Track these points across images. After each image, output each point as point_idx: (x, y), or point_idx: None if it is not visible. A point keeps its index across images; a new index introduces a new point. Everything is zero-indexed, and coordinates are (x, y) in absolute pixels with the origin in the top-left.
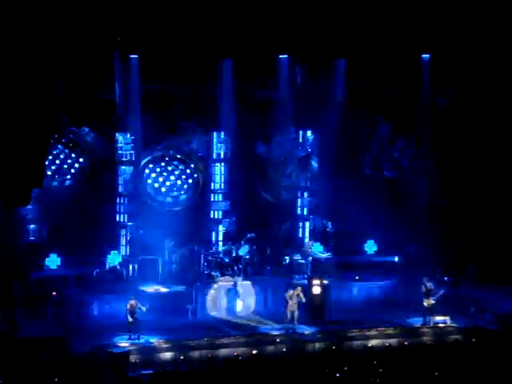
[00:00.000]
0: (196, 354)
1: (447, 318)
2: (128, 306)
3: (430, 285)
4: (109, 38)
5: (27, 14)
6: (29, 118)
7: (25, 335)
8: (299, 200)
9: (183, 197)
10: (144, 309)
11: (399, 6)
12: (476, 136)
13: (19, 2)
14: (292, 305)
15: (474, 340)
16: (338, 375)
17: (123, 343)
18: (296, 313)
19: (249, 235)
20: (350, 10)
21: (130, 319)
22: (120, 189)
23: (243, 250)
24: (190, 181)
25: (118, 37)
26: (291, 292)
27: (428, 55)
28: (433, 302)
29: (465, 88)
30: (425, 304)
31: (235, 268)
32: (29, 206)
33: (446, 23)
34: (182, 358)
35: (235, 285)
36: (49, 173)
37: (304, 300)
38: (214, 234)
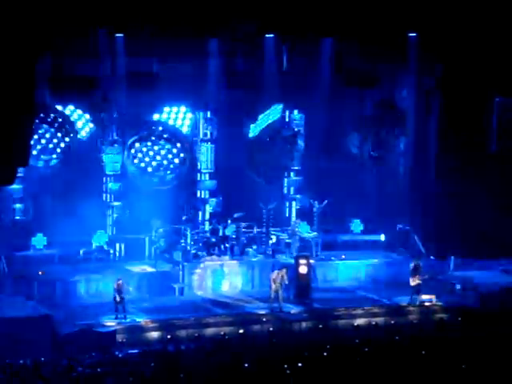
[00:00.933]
0: (183, 333)
1: (433, 297)
2: (115, 286)
3: (420, 264)
4: (94, 16)
5: None
6: (13, 97)
7: (11, 315)
8: (286, 179)
9: (169, 177)
10: (131, 289)
11: None
12: (463, 115)
13: None
14: (276, 285)
15: (459, 319)
16: (324, 354)
17: (110, 322)
18: (280, 292)
19: (236, 215)
20: None
21: (118, 299)
22: (106, 168)
23: (230, 230)
24: (176, 160)
25: None
26: (275, 272)
27: (415, 34)
28: (419, 281)
29: (452, 66)
30: (411, 283)
31: (222, 247)
32: (14, 186)
33: (432, 1)
34: (168, 337)
35: (222, 264)
36: (34, 152)
37: (287, 282)
38: (200, 213)
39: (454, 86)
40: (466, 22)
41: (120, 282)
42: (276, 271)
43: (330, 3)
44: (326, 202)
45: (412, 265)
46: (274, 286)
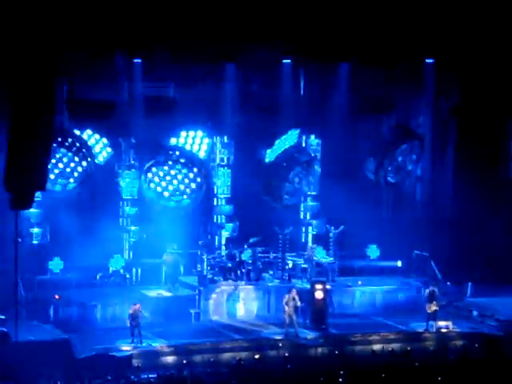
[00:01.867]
0: (198, 358)
1: (450, 324)
2: (130, 311)
3: (435, 290)
4: (112, 40)
5: (29, 15)
6: (31, 121)
7: (27, 339)
8: (302, 204)
9: (186, 201)
10: (146, 314)
11: (403, 11)
12: (481, 140)
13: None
14: (289, 309)
15: (476, 345)
16: (340, 380)
17: (126, 347)
18: (294, 316)
19: (252, 239)
20: (353, 14)
21: (133, 323)
22: (123, 193)
23: (246, 255)
24: (193, 185)
25: None
26: (287, 296)
27: (432, 60)
28: (435, 307)
29: (469, 92)
30: (427, 309)
31: (238, 272)
32: (32, 210)
33: (449, 28)
34: (184, 362)
35: (236, 289)
36: (52, 176)
37: (299, 304)
38: (217, 238)
39: (470, 111)
40: (483, 47)
41: (137, 306)
42: (287, 295)
43: (346, 29)
44: (342, 227)
45: (427, 291)
46: (287, 310)
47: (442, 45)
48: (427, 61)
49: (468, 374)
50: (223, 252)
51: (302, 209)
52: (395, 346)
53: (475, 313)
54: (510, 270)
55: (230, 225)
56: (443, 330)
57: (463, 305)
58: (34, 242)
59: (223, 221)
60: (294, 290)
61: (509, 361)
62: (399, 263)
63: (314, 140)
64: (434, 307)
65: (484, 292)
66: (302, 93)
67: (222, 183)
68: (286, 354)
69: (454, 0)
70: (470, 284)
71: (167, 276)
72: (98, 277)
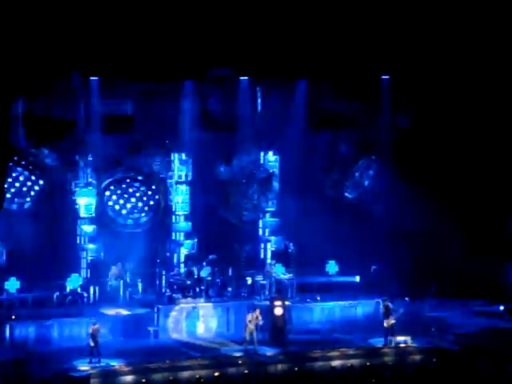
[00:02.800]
0: (158, 376)
1: (408, 338)
2: (90, 330)
3: (389, 305)
4: (68, 59)
5: None
6: None
7: None
8: (261, 221)
9: (144, 219)
10: (104, 332)
11: (359, 28)
12: (437, 155)
13: None
14: (250, 326)
15: (434, 360)
16: None
17: (84, 367)
18: (254, 334)
19: (211, 257)
20: (311, 30)
21: (92, 343)
22: (80, 211)
23: (205, 272)
24: (152, 202)
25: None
26: (250, 315)
27: (388, 76)
28: (393, 321)
29: (425, 108)
30: (385, 324)
31: (197, 290)
32: None
33: (405, 44)
34: (143, 381)
35: (196, 307)
36: (8, 195)
37: (261, 322)
38: (175, 255)
39: (426, 129)
40: (439, 65)
41: (96, 326)
42: (250, 314)
43: (303, 46)
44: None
45: (382, 306)
46: (248, 328)
47: (397, 62)
48: (383, 77)
49: None
50: (182, 269)
51: (260, 225)
52: (354, 361)
53: (433, 328)
54: (466, 283)
55: (189, 242)
56: (402, 345)
57: (421, 320)
58: None
59: (182, 238)
60: (258, 310)
61: (466, 374)
62: (357, 278)
63: (272, 156)
64: (391, 321)
65: (441, 307)
66: (259, 109)
67: (181, 200)
68: (246, 371)
69: (411, 18)
70: (427, 299)
71: (112, 289)
72: (55, 296)
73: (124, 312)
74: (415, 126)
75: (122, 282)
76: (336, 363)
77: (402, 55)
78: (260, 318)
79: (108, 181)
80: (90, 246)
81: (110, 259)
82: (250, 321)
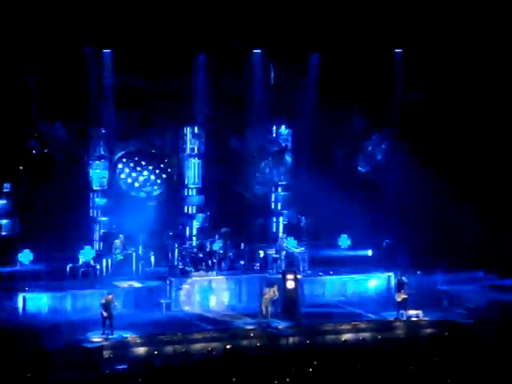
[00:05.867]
0: (170, 349)
1: (420, 312)
2: (103, 301)
3: (403, 279)
4: (81, 32)
5: None
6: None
7: None
8: (273, 195)
9: (156, 192)
10: (118, 306)
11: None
12: (449, 130)
13: None
14: (266, 300)
15: (446, 334)
16: (311, 370)
17: (97, 338)
18: (269, 308)
19: (223, 230)
20: (324, 3)
21: (105, 314)
22: (93, 183)
23: (217, 245)
24: (164, 175)
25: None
26: (267, 290)
27: (401, 50)
28: (405, 296)
29: (438, 82)
30: (397, 298)
31: (209, 263)
32: (0, 201)
33: (419, 18)
34: (155, 353)
35: (209, 280)
36: (21, 168)
37: (276, 297)
38: (188, 228)
39: (437, 103)
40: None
41: (110, 296)
42: (267, 288)
43: (317, 19)
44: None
45: (396, 280)
46: (264, 302)
47: (411, 36)
48: (396, 51)
49: (438, 361)
50: (194, 242)
51: (272, 199)
52: (366, 335)
53: (445, 301)
54: (479, 257)
55: (201, 215)
56: (413, 319)
57: (433, 293)
58: (3, 233)
59: (194, 211)
60: (276, 286)
61: (478, 348)
62: (370, 252)
63: (284, 130)
64: (402, 296)
65: (454, 280)
66: (272, 82)
67: (193, 173)
68: (258, 344)
69: None
70: (439, 272)
71: (116, 262)
72: (68, 268)
73: (136, 284)
74: (427, 101)
75: (124, 255)
76: (348, 336)
77: (414, 29)
78: (277, 293)
79: (120, 153)
80: (103, 218)
81: (122, 232)
82: (265, 295)
